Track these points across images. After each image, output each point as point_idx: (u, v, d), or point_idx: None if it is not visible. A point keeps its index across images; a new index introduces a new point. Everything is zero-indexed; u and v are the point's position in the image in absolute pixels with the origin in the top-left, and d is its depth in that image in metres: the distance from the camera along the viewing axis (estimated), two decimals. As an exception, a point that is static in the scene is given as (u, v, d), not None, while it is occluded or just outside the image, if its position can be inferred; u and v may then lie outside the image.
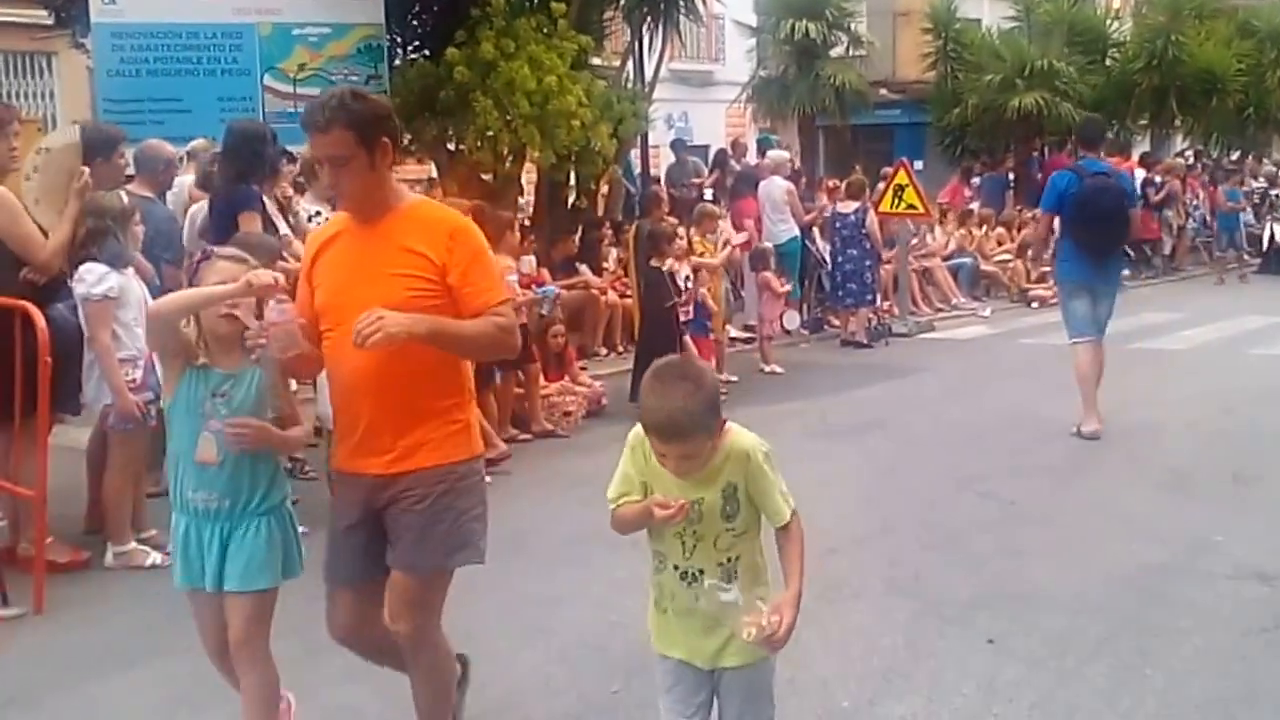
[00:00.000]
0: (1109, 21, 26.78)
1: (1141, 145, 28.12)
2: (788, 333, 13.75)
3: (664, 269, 10.39)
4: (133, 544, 6.55)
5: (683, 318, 10.44)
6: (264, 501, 3.82)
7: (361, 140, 3.59)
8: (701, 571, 3.17)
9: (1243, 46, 26.45)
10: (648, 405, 3.03)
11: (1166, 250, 22.14)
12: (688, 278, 10.59)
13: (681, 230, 11.55)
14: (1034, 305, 17.17)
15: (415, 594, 3.77)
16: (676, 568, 3.21)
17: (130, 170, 7.81)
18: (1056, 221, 9.76)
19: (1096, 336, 9.48)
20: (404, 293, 3.60)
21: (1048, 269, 15.67)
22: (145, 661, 5.28)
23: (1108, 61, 26.10)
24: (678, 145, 18.55)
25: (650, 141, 17.59)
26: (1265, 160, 26.47)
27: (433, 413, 3.74)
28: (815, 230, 14.80)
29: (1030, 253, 17.25)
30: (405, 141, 12.19)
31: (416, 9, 13.49)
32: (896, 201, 14.97)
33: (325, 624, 3.97)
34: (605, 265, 13.40)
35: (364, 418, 3.71)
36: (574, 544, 6.79)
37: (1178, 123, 27.03)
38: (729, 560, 3.19)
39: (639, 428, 3.13)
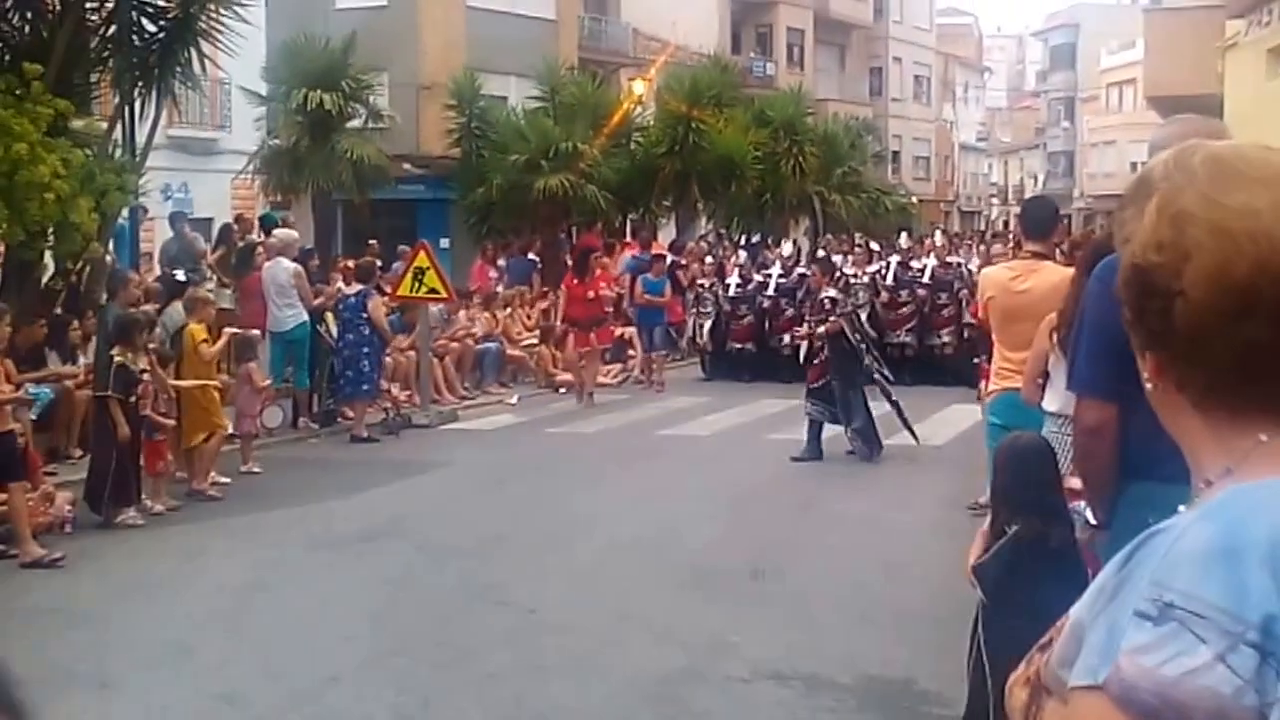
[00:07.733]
0: (633, 107, 27.49)
1: (668, 228, 29.07)
2: (270, 431, 12.61)
3: (125, 362, 9.30)
4: None
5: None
6: None
7: None
8: None
9: (759, 135, 28.05)
10: None
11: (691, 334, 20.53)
12: (144, 371, 9.47)
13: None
14: (561, 391, 16.97)
15: None
16: None
17: None
18: None
19: None
20: None
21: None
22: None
23: (632, 146, 26.86)
24: (176, 218, 16.65)
25: (149, 214, 16.02)
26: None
27: None
28: (329, 315, 13.77)
29: None
30: None
31: None
32: (417, 285, 14.35)
33: None
34: (81, 354, 11.85)
35: None
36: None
37: (700, 206, 28.13)
38: None
39: None
